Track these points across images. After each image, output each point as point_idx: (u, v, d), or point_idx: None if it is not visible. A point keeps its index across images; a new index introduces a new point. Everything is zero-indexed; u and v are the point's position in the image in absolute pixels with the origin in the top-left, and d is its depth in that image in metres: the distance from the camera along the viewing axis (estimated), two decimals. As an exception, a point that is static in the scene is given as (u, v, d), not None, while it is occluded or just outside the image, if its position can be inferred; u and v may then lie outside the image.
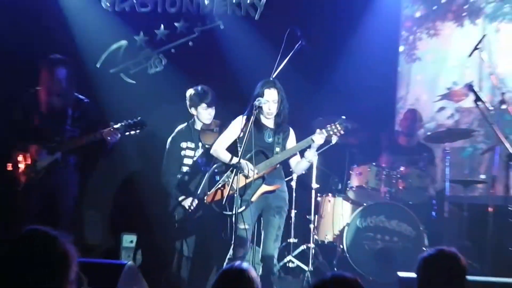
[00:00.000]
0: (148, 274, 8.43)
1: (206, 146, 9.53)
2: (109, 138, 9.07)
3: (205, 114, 9.61)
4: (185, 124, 9.73)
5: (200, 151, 9.64)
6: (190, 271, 9.52)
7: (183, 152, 9.64)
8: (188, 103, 9.66)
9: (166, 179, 9.66)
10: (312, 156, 8.72)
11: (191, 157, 9.63)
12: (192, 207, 9.34)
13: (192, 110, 9.63)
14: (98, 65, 11.55)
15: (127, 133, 9.23)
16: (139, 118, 9.22)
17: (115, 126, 9.14)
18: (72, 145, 9.27)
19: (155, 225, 10.30)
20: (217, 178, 8.89)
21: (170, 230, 9.67)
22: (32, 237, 3.66)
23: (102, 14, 11.62)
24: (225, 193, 8.62)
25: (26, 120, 9.42)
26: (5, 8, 11.08)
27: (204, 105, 9.56)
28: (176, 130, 9.76)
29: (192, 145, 9.63)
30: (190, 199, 9.41)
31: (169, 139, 9.78)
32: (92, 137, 9.17)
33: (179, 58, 11.50)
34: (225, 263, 8.58)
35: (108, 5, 11.62)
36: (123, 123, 9.15)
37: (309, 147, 8.63)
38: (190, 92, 9.65)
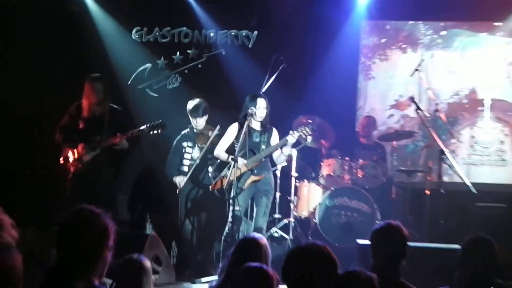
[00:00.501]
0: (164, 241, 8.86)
1: (199, 145, 9.75)
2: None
3: (196, 122, 9.80)
4: (188, 129, 9.91)
5: (196, 149, 9.80)
6: (197, 239, 9.69)
7: (183, 150, 9.83)
8: (189, 111, 9.83)
9: (169, 170, 9.90)
10: (287, 151, 9.11)
11: (190, 153, 9.80)
12: (181, 184, 9.65)
13: (190, 119, 9.86)
14: (129, 82, 11.66)
15: (151, 132, 9.44)
16: (160, 121, 9.44)
17: (142, 128, 9.43)
18: (108, 143, 9.50)
19: (170, 205, 10.18)
20: (218, 171, 9.42)
21: (183, 208, 9.76)
22: (81, 213, 3.67)
23: (132, 43, 11.73)
24: (224, 183, 9.07)
25: (73, 125, 9.63)
26: (58, 36, 11.10)
27: (194, 116, 9.75)
28: (182, 133, 9.92)
29: (190, 145, 9.82)
30: (181, 176, 9.70)
31: (176, 140, 9.94)
32: (123, 137, 9.57)
33: (191, 77, 11.61)
34: (223, 236, 9.04)
35: (137, 36, 11.74)
36: (148, 125, 9.40)
37: (285, 144, 9.12)
38: (187, 105, 9.87)
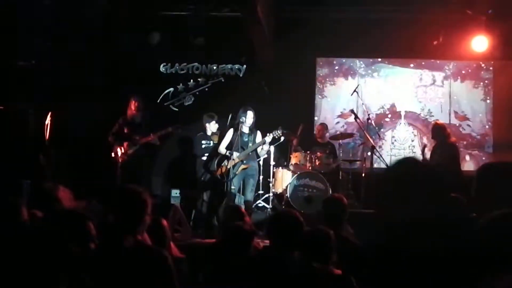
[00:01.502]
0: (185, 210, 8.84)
1: (213, 142, 9.94)
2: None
3: (212, 127, 10.01)
4: (202, 132, 10.07)
5: (211, 144, 9.94)
6: (207, 208, 9.74)
7: (202, 145, 10.02)
8: (204, 120, 10.04)
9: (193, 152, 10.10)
10: (266, 148, 9.31)
11: (206, 147, 9.96)
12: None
13: (207, 124, 10.02)
14: (158, 101, 11.71)
15: (175, 132, 9.81)
16: (180, 124, 9.88)
17: (168, 128, 9.73)
18: (144, 140, 9.65)
19: (190, 183, 10.15)
20: (220, 162, 9.46)
21: (198, 186, 9.93)
22: (130, 190, 3.73)
23: (161, 73, 11.80)
24: (223, 170, 9.13)
25: (120, 130, 9.73)
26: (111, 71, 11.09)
27: (210, 123, 9.99)
28: (198, 134, 10.09)
29: (207, 142, 9.97)
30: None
31: (195, 137, 10.11)
32: (155, 136, 9.70)
33: (201, 97, 11.66)
34: (223, 206, 9.06)
35: (163, 69, 11.74)
36: (172, 127, 9.73)
37: (264, 142, 9.19)
38: (204, 116, 10.06)
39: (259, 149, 9.36)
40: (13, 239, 2.95)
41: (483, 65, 11.64)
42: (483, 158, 11.40)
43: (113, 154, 9.78)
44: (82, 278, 2.86)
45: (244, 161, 9.20)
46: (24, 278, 2.64)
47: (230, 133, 9.37)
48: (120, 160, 9.69)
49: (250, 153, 9.27)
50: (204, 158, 9.94)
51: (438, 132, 9.55)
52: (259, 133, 9.35)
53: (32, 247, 2.73)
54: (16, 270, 2.67)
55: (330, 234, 4.11)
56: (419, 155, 10.06)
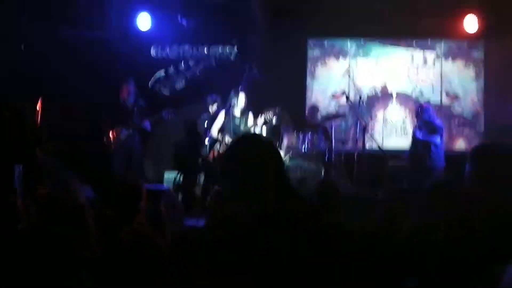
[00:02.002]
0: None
1: None
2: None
3: (213, 110, 10.02)
4: (207, 115, 10.11)
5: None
6: (201, 192, 9.67)
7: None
8: (208, 103, 10.10)
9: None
10: (258, 130, 9.33)
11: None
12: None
13: (210, 107, 10.07)
14: (149, 84, 11.58)
15: (167, 117, 9.80)
16: (172, 109, 9.82)
17: (160, 113, 9.73)
18: (136, 125, 9.65)
19: (183, 167, 10.22)
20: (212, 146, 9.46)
21: (191, 170, 9.98)
22: (122, 182, 3.93)
23: (152, 58, 11.64)
24: (216, 153, 9.13)
25: (114, 115, 9.81)
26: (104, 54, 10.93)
27: (213, 106, 10.00)
28: (202, 116, 10.13)
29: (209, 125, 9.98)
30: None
31: (199, 120, 10.21)
32: (146, 121, 9.70)
33: (192, 80, 11.52)
34: (215, 189, 9.09)
35: (154, 53, 11.60)
36: (164, 112, 9.75)
37: (256, 125, 9.18)
38: (208, 99, 10.13)
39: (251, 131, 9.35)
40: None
41: (474, 44, 11.62)
42: (475, 137, 11.43)
43: (106, 139, 9.77)
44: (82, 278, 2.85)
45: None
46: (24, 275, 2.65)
47: (222, 116, 9.39)
48: (113, 145, 9.70)
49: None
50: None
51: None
52: (250, 116, 9.39)
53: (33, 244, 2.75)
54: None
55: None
56: (410, 135, 10.09)
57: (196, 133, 10.19)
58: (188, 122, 10.65)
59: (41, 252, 2.72)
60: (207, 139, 9.63)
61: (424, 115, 9.45)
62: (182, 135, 10.91)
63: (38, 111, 9.64)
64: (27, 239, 2.82)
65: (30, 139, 2.76)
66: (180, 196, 9.60)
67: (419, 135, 9.30)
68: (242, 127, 9.28)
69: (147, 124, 9.78)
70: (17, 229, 3.09)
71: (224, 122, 9.34)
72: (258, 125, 9.27)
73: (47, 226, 3.02)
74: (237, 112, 9.32)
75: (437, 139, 9.29)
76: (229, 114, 9.24)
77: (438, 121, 9.70)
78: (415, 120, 9.77)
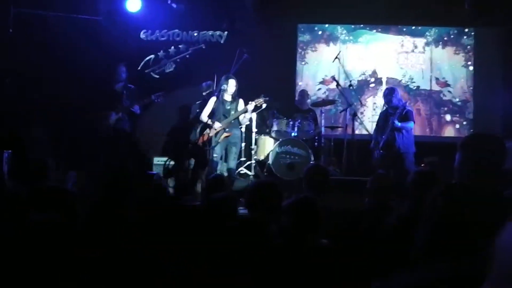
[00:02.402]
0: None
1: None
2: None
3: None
4: (200, 101, 10.11)
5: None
6: (191, 176, 9.80)
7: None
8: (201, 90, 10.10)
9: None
10: (248, 116, 9.41)
11: None
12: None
13: (204, 94, 10.10)
14: (139, 68, 11.53)
15: (156, 100, 9.86)
16: (161, 92, 9.88)
17: (150, 97, 9.79)
18: (126, 109, 9.65)
19: (171, 151, 10.37)
20: (202, 130, 9.48)
21: (181, 154, 10.04)
22: (114, 167, 3.96)
23: (141, 40, 11.59)
24: (205, 138, 9.16)
25: (104, 98, 9.82)
26: (92, 38, 10.83)
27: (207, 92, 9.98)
28: (197, 102, 10.14)
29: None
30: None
31: (193, 106, 10.24)
32: (135, 105, 9.71)
33: (182, 64, 11.47)
34: (205, 173, 9.12)
35: (144, 36, 11.56)
36: (153, 95, 9.80)
37: (246, 111, 9.22)
38: (202, 85, 10.19)
39: (241, 117, 9.43)
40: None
41: (464, 31, 11.63)
42: (464, 124, 11.47)
43: (95, 123, 9.73)
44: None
45: (227, 129, 9.24)
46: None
47: (212, 101, 9.43)
48: (103, 129, 9.66)
49: (232, 121, 9.31)
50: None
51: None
52: (241, 101, 9.40)
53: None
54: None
55: (317, 202, 3.93)
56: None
57: (188, 119, 10.19)
58: (181, 108, 10.67)
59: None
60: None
61: (393, 99, 9.27)
62: (173, 121, 10.93)
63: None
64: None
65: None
66: (171, 182, 9.64)
67: (395, 123, 9.08)
68: (232, 112, 9.29)
69: (136, 107, 9.78)
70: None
71: (214, 107, 9.34)
72: (249, 111, 9.28)
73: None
74: (227, 97, 9.33)
75: (410, 124, 9.20)
76: (219, 99, 9.25)
77: (408, 106, 9.53)
78: (385, 104, 9.50)
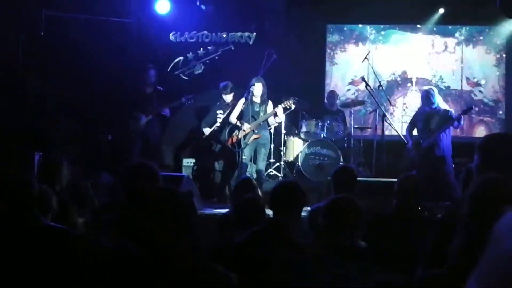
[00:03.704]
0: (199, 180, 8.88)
1: (225, 113, 9.89)
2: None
3: (227, 98, 9.98)
4: (219, 102, 10.05)
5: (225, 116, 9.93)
6: (220, 178, 9.96)
7: (216, 116, 9.96)
8: (221, 90, 10.01)
9: (203, 126, 10.08)
10: (278, 119, 9.52)
11: (220, 118, 9.88)
12: (207, 133, 9.95)
13: (222, 94, 10.02)
14: (168, 70, 11.51)
15: (187, 103, 9.94)
16: (191, 95, 9.95)
17: (180, 100, 9.84)
18: (156, 111, 9.72)
19: (201, 153, 10.40)
20: (231, 132, 9.51)
21: (210, 156, 10.12)
22: (143, 165, 3.98)
23: (170, 42, 11.60)
24: (234, 140, 9.20)
25: (134, 100, 9.87)
26: (123, 39, 11.02)
27: (224, 92, 9.95)
28: (217, 104, 10.06)
29: (222, 112, 9.93)
30: (207, 128, 9.95)
31: (212, 108, 10.16)
32: (165, 107, 9.75)
33: (211, 65, 11.48)
34: (235, 175, 9.15)
35: (173, 38, 11.55)
36: (184, 98, 9.85)
37: (275, 113, 9.24)
38: (220, 86, 10.03)
39: (270, 119, 9.47)
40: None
41: (496, 30, 11.47)
42: (495, 125, 11.34)
43: (125, 125, 9.79)
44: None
45: (256, 131, 9.26)
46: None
47: (241, 103, 9.46)
48: (132, 130, 9.71)
49: (261, 123, 9.35)
50: (218, 128, 10.00)
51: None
52: (270, 103, 9.44)
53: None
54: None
55: (357, 204, 3.74)
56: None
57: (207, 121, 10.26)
58: (201, 109, 10.71)
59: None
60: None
61: (434, 102, 9.14)
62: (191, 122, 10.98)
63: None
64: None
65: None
66: (198, 184, 9.68)
67: (457, 123, 8.97)
68: (261, 114, 9.31)
69: (166, 111, 9.85)
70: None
71: (242, 108, 9.38)
72: (278, 113, 9.30)
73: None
74: (256, 98, 9.35)
75: (449, 129, 9.13)
76: (248, 100, 9.26)
77: (449, 109, 9.44)
78: (423, 106, 9.32)
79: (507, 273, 1.35)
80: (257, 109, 9.35)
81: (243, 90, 9.74)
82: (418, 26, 11.62)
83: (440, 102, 9.27)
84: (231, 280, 2.76)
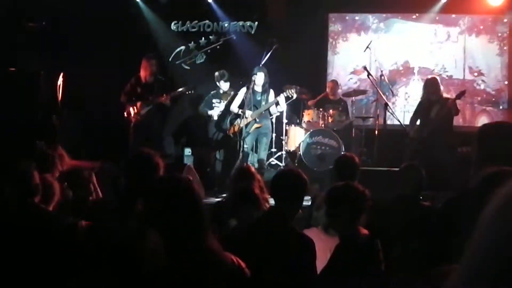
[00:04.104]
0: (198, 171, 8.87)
1: (224, 101, 9.93)
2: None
3: (223, 86, 9.99)
4: (215, 90, 10.07)
5: (222, 104, 9.97)
6: (222, 167, 9.93)
7: (213, 104, 9.97)
8: (216, 79, 10.07)
9: (203, 109, 10.09)
10: (280, 109, 9.55)
11: (218, 107, 9.92)
12: (214, 115, 9.93)
13: (218, 83, 10.04)
14: (169, 59, 11.57)
15: (187, 92, 9.76)
16: (192, 84, 9.85)
17: (180, 89, 9.69)
18: (157, 101, 9.66)
19: (202, 142, 10.38)
20: (233, 121, 9.52)
21: (210, 145, 10.08)
22: (144, 153, 3.98)
23: (172, 32, 11.65)
24: (236, 129, 9.19)
25: (133, 90, 9.75)
26: (122, 29, 11.02)
27: (221, 81, 9.95)
28: (211, 92, 10.07)
29: (218, 101, 9.96)
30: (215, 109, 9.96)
31: (207, 96, 10.11)
32: (167, 96, 9.72)
33: (212, 55, 11.46)
34: (236, 165, 9.12)
35: (175, 28, 11.61)
36: (184, 87, 9.75)
37: (277, 102, 9.25)
38: (216, 74, 10.05)
39: (272, 108, 9.49)
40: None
41: (499, 19, 11.44)
42: (498, 114, 11.32)
43: (125, 114, 9.79)
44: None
45: (257, 120, 9.26)
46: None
47: (243, 92, 9.46)
48: (133, 120, 9.72)
49: (263, 112, 9.35)
50: (215, 117, 9.99)
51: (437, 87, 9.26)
52: (272, 92, 9.46)
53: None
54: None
55: (365, 192, 3.78)
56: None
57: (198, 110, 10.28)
58: (196, 98, 10.72)
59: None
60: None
61: (436, 90, 9.08)
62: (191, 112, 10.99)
63: (59, 84, 9.74)
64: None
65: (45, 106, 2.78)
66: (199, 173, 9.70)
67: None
68: (263, 103, 9.32)
69: (167, 99, 9.81)
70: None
71: (245, 97, 9.36)
72: (280, 102, 9.31)
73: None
74: (258, 87, 9.36)
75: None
76: (250, 90, 9.25)
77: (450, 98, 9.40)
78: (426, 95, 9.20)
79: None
80: (259, 98, 9.36)
81: (245, 79, 9.75)
82: (418, 15, 11.58)
83: (442, 91, 9.23)
84: (242, 273, 2.76)
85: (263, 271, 3.28)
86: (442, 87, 9.27)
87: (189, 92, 9.91)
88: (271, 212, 4.06)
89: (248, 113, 9.26)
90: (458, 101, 9.12)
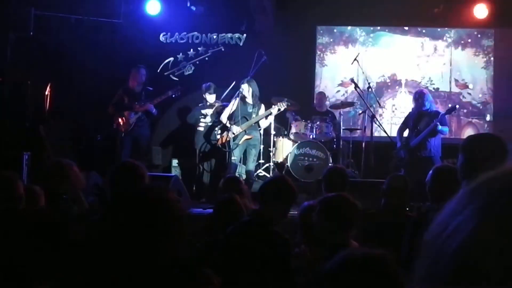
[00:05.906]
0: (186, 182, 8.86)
1: (208, 114, 9.96)
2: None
3: (209, 98, 9.98)
4: (202, 102, 10.08)
5: (208, 116, 9.96)
6: (210, 178, 9.90)
7: (200, 117, 9.98)
8: (202, 91, 10.06)
9: (190, 119, 10.17)
10: (270, 118, 9.54)
11: (204, 119, 9.95)
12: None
13: (204, 95, 10.03)
14: (158, 71, 11.54)
15: (173, 96, 9.95)
16: (178, 86, 10.07)
17: (167, 92, 9.87)
18: (144, 107, 9.67)
19: (190, 153, 10.30)
20: (222, 132, 9.51)
21: (199, 156, 10.00)
22: (128, 164, 3.95)
23: (160, 43, 11.60)
24: (224, 140, 9.19)
25: (121, 101, 9.83)
26: (112, 39, 11.03)
27: (207, 93, 9.95)
28: (199, 104, 10.07)
29: (205, 112, 9.95)
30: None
31: (195, 108, 10.15)
32: (154, 102, 9.72)
33: (201, 66, 11.51)
34: (224, 176, 9.09)
35: (163, 39, 11.57)
36: (170, 91, 9.92)
37: (271, 113, 9.27)
38: (202, 86, 10.04)
39: (261, 120, 9.54)
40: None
41: (484, 32, 11.51)
42: (483, 126, 11.37)
43: (114, 125, 9.76)
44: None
45: (247, 131, 9.24)
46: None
47: (233, 103, 9.43)
48: (121, 130, 9.70)
49: (253, 124, 9.39)
50: (201, 128, 10.00)
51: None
52: (263, 106, 9.55)
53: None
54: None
55: (356, 203, 3.77)
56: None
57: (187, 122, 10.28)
58: (183, 110, 10.72)
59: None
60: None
61: (426, 102, 9.19)
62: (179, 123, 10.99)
63: (47, 94, 9.70)
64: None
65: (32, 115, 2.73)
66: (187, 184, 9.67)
67: (438, 126, 8.94)
68: (253, 115, 9.33)
69: (153, 108, 9.78)
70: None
71: (235, 109, 9.36)
72: (272, 114, 9.39)
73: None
74: (249, 99, 9.38)
75: (446, 129, 9.18)
76: (240, 101, 9.27)
77: (439, 110, 9.52)
78: (415, 107, 9.33)
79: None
80: (250, 110, 9.37)
81: (233, 91, 9.76)
82: (407, 28, 11.64)
83: (432, 104, 9.33)
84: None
85: (242, 274, 3.28)
86: (432, 100, 9.38)
87: (174, 95, 9.92)
88: (254, 215, 4.06)
89: (236, 126, 9.25)
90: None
